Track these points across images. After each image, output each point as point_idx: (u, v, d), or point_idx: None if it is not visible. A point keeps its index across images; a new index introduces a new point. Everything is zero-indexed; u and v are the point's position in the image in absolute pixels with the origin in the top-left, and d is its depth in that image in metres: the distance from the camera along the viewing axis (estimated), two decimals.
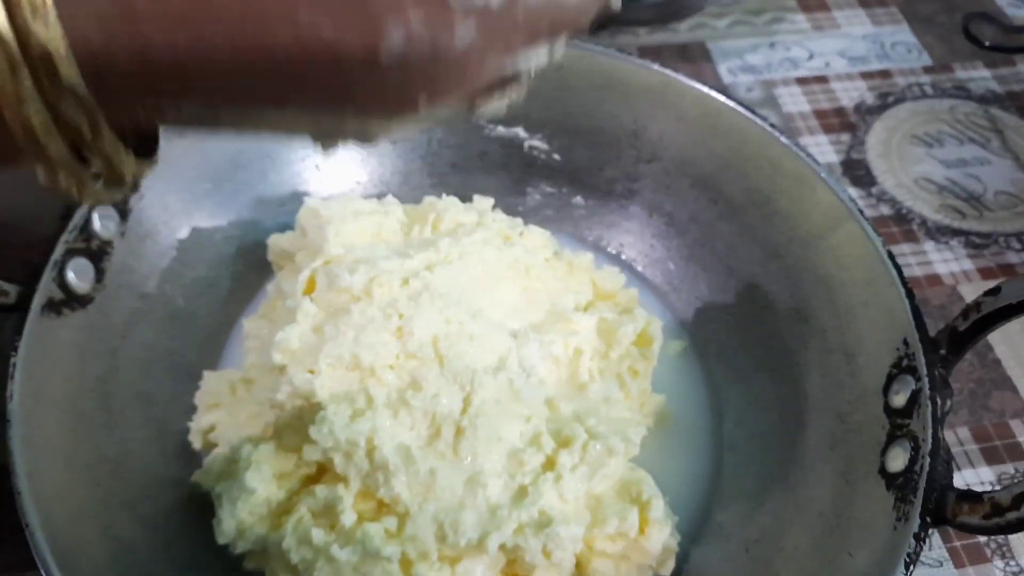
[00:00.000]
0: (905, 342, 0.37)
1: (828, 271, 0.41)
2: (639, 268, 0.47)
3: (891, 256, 0.39)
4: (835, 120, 0.60)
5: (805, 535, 0.36)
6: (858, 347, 0.39)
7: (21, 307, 0.35)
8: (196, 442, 0.39)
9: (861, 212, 0.40)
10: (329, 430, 0.34)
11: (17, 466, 0.31)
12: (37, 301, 0.35)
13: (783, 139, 0.43)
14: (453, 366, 0.36)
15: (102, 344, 0.37)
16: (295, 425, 0.35)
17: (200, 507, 0.37)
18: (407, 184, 0.48)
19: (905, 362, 0.36)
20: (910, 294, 0.37)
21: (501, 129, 0.48)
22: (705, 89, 0.44)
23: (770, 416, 0.41)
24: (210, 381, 0.40)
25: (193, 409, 0.40)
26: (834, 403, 0.39)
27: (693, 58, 0.62)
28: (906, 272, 0.52)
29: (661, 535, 0.36)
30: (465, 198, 0.46)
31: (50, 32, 0.18)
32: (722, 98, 0.44)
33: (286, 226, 0.44)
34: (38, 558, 0.29)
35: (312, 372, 0.35)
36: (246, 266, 0.44)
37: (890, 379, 0.37)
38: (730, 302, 0.45)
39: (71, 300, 0.36)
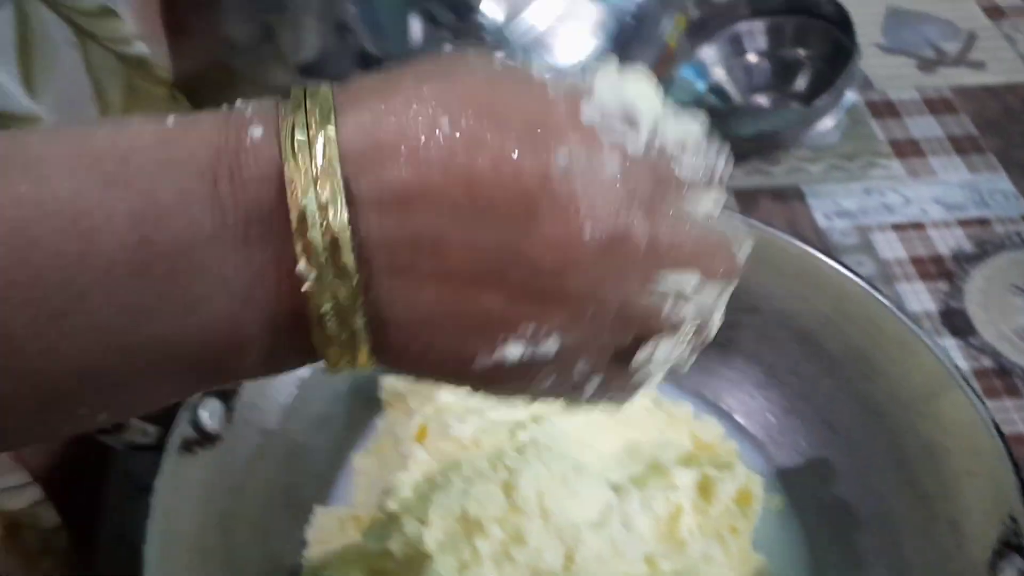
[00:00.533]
0: (1012, 518, 0.36)
1: (931, 436, 0.41)
2: (738, 418, 0.48)
3: (997, 427, 0.39)
4: (932, 268, 0.60)
5: None
6: (963, 517, 0.38)
7: (158, 447, 0.37)
8: None
9: (966, 380, 0.40)
10: None
11: None
12: (173, 441, 0.37)
13: (885, 300, 0.43)
14: (556, 521, 0.37)
15: (227, 481, 0.40)
16: (404, 573, 0.37)
17: None
18: None
19: (1012, 539, 0.36)
20: (1017, 468, 0.37)
21: None
22: (806, 247, 0.46)
23: None
24: (321, 517, 0.42)
25: (304, 543, 0.41)
26: (937, 571, 0.38)
27: (788, 201, 0.64)
28: (1010, 429, 0.52)
29: None
30: None
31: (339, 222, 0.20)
32: (823, 256, 0.45)
33: None
34: None
35: (422, 522, 0.37)
36: (358, 403, 0.46)
37: (996, 555, 0.36)
38: (829, 458, 0.45)
39: (203, 439, 0.39)
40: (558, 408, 0.40)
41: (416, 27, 0.45)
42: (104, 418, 0.23)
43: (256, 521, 0.40)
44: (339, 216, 0.20)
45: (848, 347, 0.45)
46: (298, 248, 0.20)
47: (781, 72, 0.67)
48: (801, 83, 0.67)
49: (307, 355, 0.22)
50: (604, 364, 0.24)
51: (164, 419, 0.38)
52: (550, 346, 0.22)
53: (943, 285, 0.59)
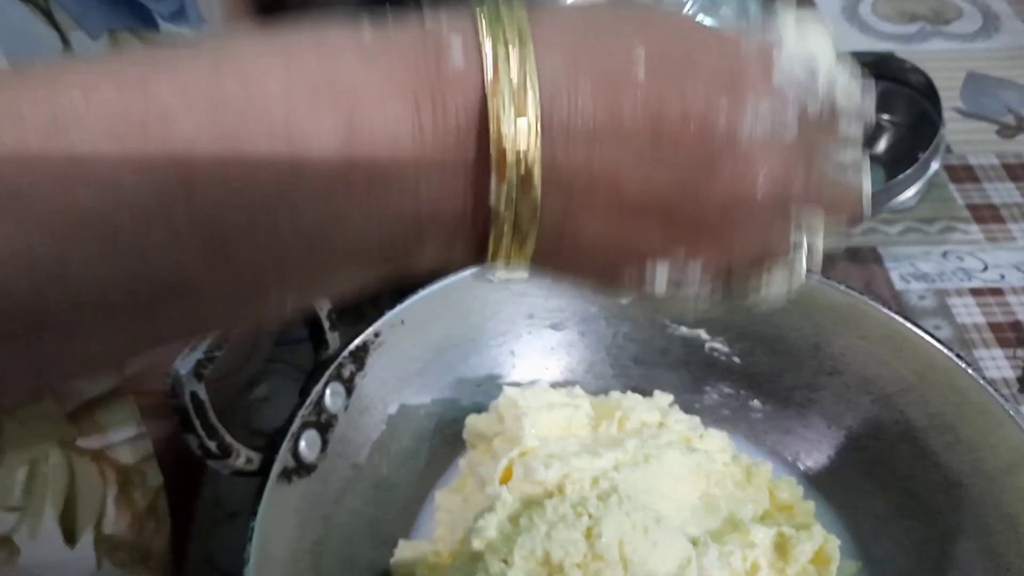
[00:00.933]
0: None
1: (1014, 509, 0.41)
2: (815, 479, 0.48)
3: None
4: (1011, 334, 0.60)
5: None
6: None
7: (259, 473, 0.39)
8: None
9: None
10: None
11: None
12: (275, 469, 0.39)
13: (969, 369, 0.44)
14: (636, 571, 0.38)
15: (319, 510, 0.41)
16: None
17: None
18: (591, 373, 0.51)
19: None
20: None
21: (684, 329, 0.51)
22: (890, 313, 0.46)
23: None
24: (404, 550, 0.43)
25: (388, 575, 0.43)
26: None
27: (865, 262, 0.64)
28: None
29: None
30: (645, 392, 0.48)
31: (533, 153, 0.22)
32: (908, 323, 0.46)
33: (480, 406, 0.48)
34: None
35: (506, 562, 0.38)
36: (442, 441, 0.48)
37: None
38: (909, 525, 0.45)
39: (300, 468, 0.41)
40: (640, 459, 0.41)
41: None
42: (289, 303, 0.24)
43: (343, 551, 0.42)
44: (534, 149, 0.22)
45: (931, 415, 0.45)
46: (493, 176, 0.22)
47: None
48: (881, 146, 0.68)
49: (476, 253, 0.24)
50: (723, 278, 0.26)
51: (266, 448, 0.40)
52: (693, 269, 0.24)
53: (1022, 352, 0.58)
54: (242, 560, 0.46)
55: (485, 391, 0.49)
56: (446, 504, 0.45)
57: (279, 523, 0.39)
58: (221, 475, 0.50)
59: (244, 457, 0.39)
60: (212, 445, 0.37)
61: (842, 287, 0.47)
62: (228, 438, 0.38)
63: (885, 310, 0.46)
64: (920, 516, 0.45)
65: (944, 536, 0.43)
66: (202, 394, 0.36)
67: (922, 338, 0.45)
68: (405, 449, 0.47)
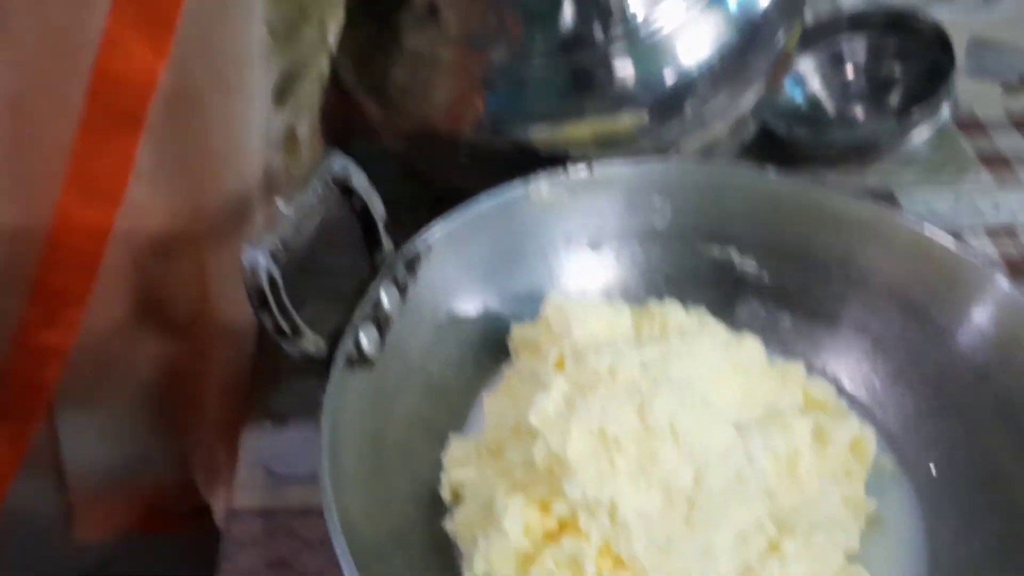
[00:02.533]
0: None
1: None
2: (845, 385, 0.50)
3: None
4: None
5: None
6: None
7: (326, 360, 0.41)
8: (446, 495, 0.43)
9: None
10: (580, 488, 0.38)
11: (324, 480, 0.36)
12: (340, 356, 0.41)
13: (995, 273, 0.46)
14: (687, 445, 0.40)
15: (379, 402, 0.43)
16: (545, 482, 0.39)
17: (445, 553, 0.41)
18: (626, 292, 0.53)
19: None
20: None
21: (715, 249, 0.53)
22: (915, 223, 0.48)
23: (986, 531, 0.42)
24: (456, 444, 0.45)
25: (440, 467, 0.45)
26: None
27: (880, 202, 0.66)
28: None
29: None
30: None
31: None
32: (932, 232, 0.48)
33: (520, 319, 0.50)
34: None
35: (563, 436, 0.40)
36: (486, 350, 0.50)
37: None
38: (938, 423, 0.47)
39: (362, 360, 0.43)
40: (684, 352, 0.43)
41: None
42: None
43: (400, 443, 0.44)
44: None
45: (959, 318, 0.47)
46: None
47: (876, 87, 0.70)
48: (895, 99, 0.70)
49: None
50: None
51: (331, 339, 0.42)
52: None
53: None
54: (295, 465, 0.48)
55: (526, 306, 0.51)
56: (494, 405, 0.46)
57: (344, 408, 0.41)
58: (269, 388, 0.52)
59: (313, 342, 0.41)
60: (285, 325, 0.39)
61: (868, 200, 0.49)
62: (299, 320, 0.40)
63: (909, 219, 0.49)
64: (949, 414, 0.47)
65: (975, 429, 0.45)
66: (277, 275, 0.38)
67: (946, 245, 0.47)
68: (453, 356, 0.48)
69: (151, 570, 0.68)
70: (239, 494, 0.49)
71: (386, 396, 0.44)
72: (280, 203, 0.39)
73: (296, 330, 0.40)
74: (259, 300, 0.38)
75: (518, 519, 0.39)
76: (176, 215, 0.47)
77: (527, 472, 0.40)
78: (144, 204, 0.45)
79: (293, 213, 0.39)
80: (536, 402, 0.40)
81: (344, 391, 0.41)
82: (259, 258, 0.38)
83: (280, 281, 0.39)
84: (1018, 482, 0.42)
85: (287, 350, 0.40)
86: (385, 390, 0.44)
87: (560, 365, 0.43)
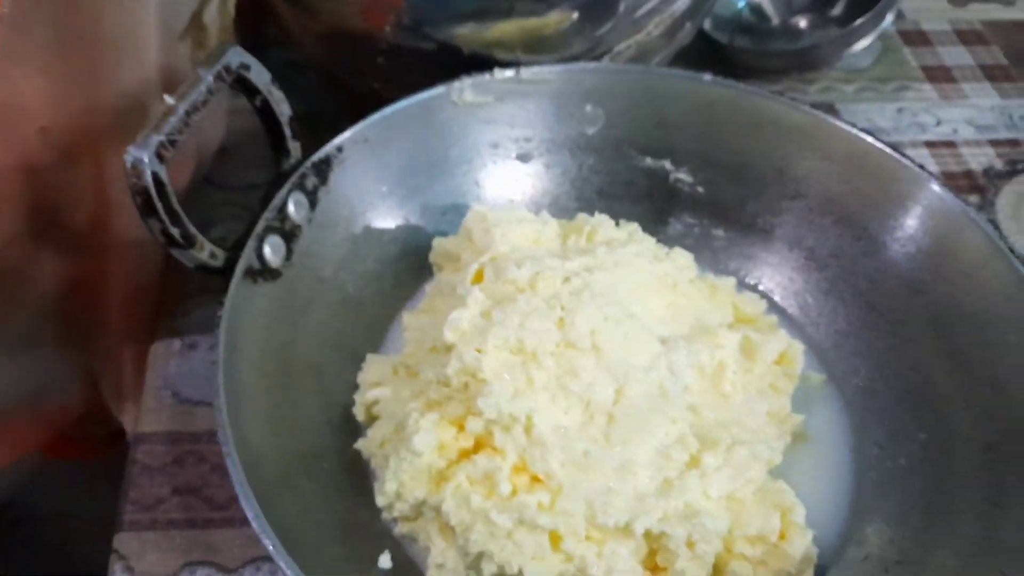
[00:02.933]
0: None
1: (975, 308, 0.42)
2: (777, 299, 0.49)
3: None
4: (964, 182, 0.61)
5: (952, 558, 0.36)
6: (1007, 379, 0.40)
7: (225, 271, 0.38)
8: (360, 415, 0.41)
9: (1012, 250, 0.41)
10: (495, 403, 0.36)
11: (220, 399, 0.34)
12: (240, 267, 0.38)
13: (931, 180, 0.44)
14: (608, 359, 0.38)
15: (286, 317, 0.41)
16: (459, 398, 0.38)
17: (358, 475, 0.39)
18: (555, 206, 0.51)
19: None
20: None
21: (649, 160, 0.50)
22: (854, 130, 0.46)
23: (911, 445, 0.41)
24: (372, 363, 0.43)
25: (355, 387, 0.42)
26: (982, 433, 0.39)
27: None
28: None
29: (803, 541, 0.37)
30: None
31: None
32: (871, 139, 0.46)
33: (443, 233, 0.48)
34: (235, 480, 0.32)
35: (479, 351, 0.37)
36: (407, 266, 0.47)
37: None
38: (870, 336, 0.46)
39: (265, 272, 0.40)
40: (609, 264, 0.41)
41: None
42: None
43: (311, 358, 0.41)
44: None
45: (893, 228, 0.46)
46: None
47: None
48: (839, 9, 0.68)
49: None
50: None
51: (231, 249, 0.39)
52: None
53: (974, 199, 0.60)
54: (204, 387, 0.45)
55: (449, 220, 0.48)
56: (414, 324, 0.44)
57: (246, 321, 0.38)
58: (178, 308, 0.49)
59: (208, 251, 0.38)
60: (175, 232, 0.36)
61: (806, 107, 0.47)
62: (192, 228, 0.37)
63: (848, 126, 0.47)
64: (881, 327, 0.46)
65: (906, 343, 0.44)
66: (164, 176, 0.35)
67: (884, 151, 0.46)
68: (370, 271, 0.46)
69: (69, 497, 0.65)
70: (145, 418, 0.46)
71: (295, 311, 0.42)
72: (166, 97, 0.36)
73: (189, 238, 0.36)
74: (145, 204, 0.35)
75: (431, 437, 0.37)
76: (69, 109, 0.42)
77: (442, 390, 0.38)
78: (34, 93, 0.40)
79: (182, 109, 0.36)
80: (452, 316, 0.38)
81: (246, 304, 0.38)
82: (143, 157, 0.34)
83: (168, 183, 0.35)
84: (945, 395, 0.42)
85: (181, 260, 0.37)
86: (294, 304, 0.41)
87: (479, 278, 0.41)
